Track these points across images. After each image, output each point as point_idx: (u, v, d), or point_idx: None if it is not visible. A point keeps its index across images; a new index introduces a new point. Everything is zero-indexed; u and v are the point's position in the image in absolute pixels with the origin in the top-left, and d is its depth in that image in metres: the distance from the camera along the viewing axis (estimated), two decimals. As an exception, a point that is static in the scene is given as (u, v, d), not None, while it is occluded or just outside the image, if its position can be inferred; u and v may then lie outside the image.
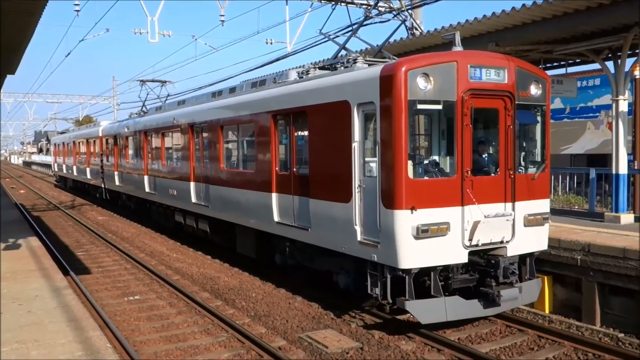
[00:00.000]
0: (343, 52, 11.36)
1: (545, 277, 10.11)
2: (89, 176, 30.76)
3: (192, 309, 10.59)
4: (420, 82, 8.16)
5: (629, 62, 12.76)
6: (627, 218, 12.14)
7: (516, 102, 8.92)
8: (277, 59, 18.89)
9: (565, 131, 20.17)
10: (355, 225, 9.01)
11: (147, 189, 20.12)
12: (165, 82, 23.19)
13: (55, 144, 44.39)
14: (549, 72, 14.42)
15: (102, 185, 27.43)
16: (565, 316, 9.87)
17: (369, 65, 9.62)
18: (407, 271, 8.25)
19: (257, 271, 13.23)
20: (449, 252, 8.42)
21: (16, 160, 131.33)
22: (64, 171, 39.45)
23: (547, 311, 10.14)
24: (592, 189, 13.99)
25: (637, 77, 14.18)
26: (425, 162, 9.24)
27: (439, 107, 8.66)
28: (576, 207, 14.79)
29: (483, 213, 8.54)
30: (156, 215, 20.39)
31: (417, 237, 8.11)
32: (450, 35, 9.48)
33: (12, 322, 7.16)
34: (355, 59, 9.90)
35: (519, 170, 9.21)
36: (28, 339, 6.51)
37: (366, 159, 8.95)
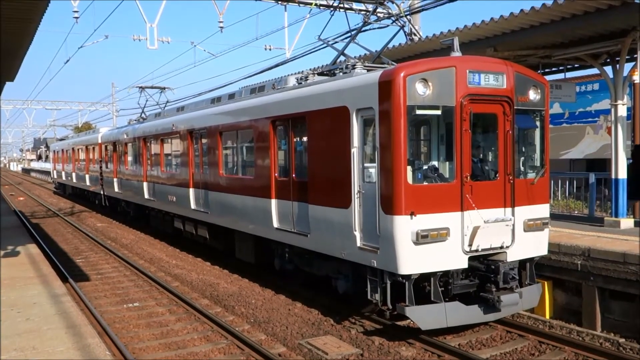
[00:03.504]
0: (342, 58, 11.38)
1: (546, 282, 10.08)
2: (88, 183, 30.75)
3: (191, 316, 10.56)
4: (419, 88, 8.17)
5: (628, 66, 12.79)
6: (626, 222, 12.13)
7: (515, 107, 8.93)
8: (276, 65, 18.92)
9: (564, 136, 20.19)
10: (355, 230, 9.00)
11: (146, 195, 20.11)
12: (164, 88, 23.23)
13: (54, 151, 44.40)
14: (548, 77, 14.44)
15: (101, 192, 27.42)
16: (565, 321, 9.85)
17: (368, 70, 9.63)
18: (407, 277, 8.23)
19: (257, 277, 13.20)
20: (449, 257, 8.40)
21: (15, 167, 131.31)
22: (63, 178, 39.43)
23: (547, 316, 10.11)
24: (591, 193, 13.98)
25: (636, 81, 14.19)
26: (425, 167, 9.23)
27: (438, 112, 8.66)
28: (576, 211, 14.77)
29: (483, 218, 8.53)
30: (155, 222, 20.37)
31: (416, 243, 8.10)
32: (449, 40, 9.49)
33: (10, 329, 7.13)
34: (354, 65, 9.91)
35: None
36: (26, 347, 6.48)
37: (365, 165, 8.95)
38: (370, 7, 14.21)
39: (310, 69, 16.03)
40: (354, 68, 9.83)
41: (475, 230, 8.46)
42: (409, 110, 8.15)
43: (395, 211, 8.13)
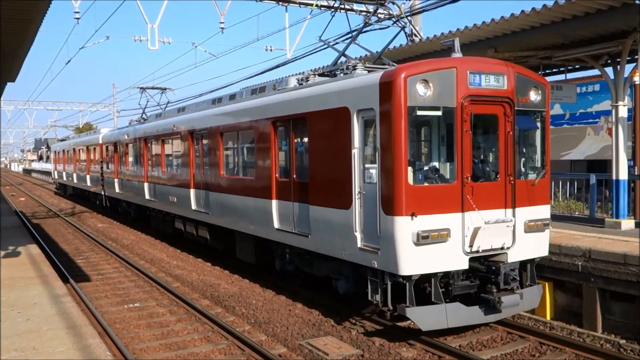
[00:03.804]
0: (343, 59, 11.38)
1: (546, 283, 10.08)
2: (89, 183, 30.76)
3: (192, 316, 10.56)
4: (420, 88, 8.17)
5: (628, 67, 12.79)
6: (627, 224, 12.11)
7: (516, 108, 8.93)
8: (277, 66, 18.92)
9: (565, 137, 20.17)
10: (355, 231, 8.99)
11: (147, 196, 20.12)
12: (165, 89, 23.26)
13: (55, 151, 44.43)
14: (549, 78, 14.44)
15: (102, 193, 27.43)
16: (566, 322, 9.84)
17: (369, 71, 9.63)
18: (408, 277, 8.23)
19: (258, 277, 13.20)
20: (450, 258, 8.39)
21: (16, 167, 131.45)
22: (64, 178, 39.46)
23: (548, 317, 10.10)
24: (592, 194, 13.98)
25: (637, 82, 14.19)
26: (425, 168, 9.23)
27: (439, 113, 8.66)
28: (577, 212, 14.77)
29: (483, 219, 8.52)
30: (156, 222, 20.37)
31: (417, 244, 8.09)
32: (450, 41, 9.49)
33: (10, 329, 7.13)
34: (355, 66, 9.91)
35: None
36: (26, 347, 6.48)
37: (366, 165, 8.95)
38: (371, 8, 14.21)
39: (311, 70, 16.05)
40: (355, 69, 9.83)
41: (476, 231, 8.46)
42: (409, 111, 8.15)
43: (396, 212, 8.13)
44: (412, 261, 8.15)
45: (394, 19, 12.34)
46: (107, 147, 26.38)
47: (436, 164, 9.81)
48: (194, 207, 15.68)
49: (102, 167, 27.01)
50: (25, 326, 7.27)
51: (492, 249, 8.72)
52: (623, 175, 12.32)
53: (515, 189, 8.94)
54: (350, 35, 12.32)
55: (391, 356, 8.28)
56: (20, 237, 15.49)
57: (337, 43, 13.16)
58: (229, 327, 9.51)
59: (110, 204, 26.82)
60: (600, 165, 18.78)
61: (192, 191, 15.83)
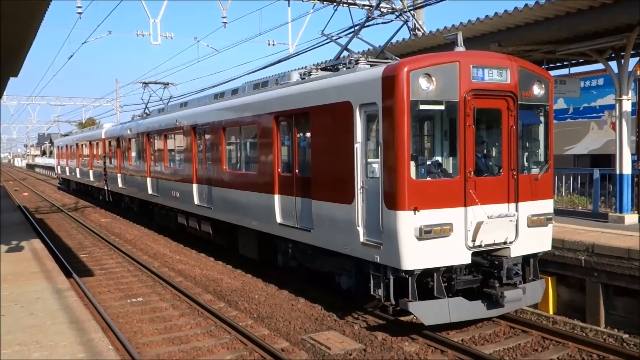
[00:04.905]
0: (345, 53, 11.34)
1: (549, 278, 10.07)
2: (92, 178, 30.81)
3: (194, 311, 10.57)
4: (423, 83, 8.13)
5: (633, 61, 12.72)
6: (631, 218, 12.09)
7: (519, 102, 8.89)
8: (280, 61, 18.92)
9: (568, 131, 20.11)
10: (358, 226, 8.98)
11: (149, 191, 20.14)
12: (167, 84, 23.23)
13: (58, 147, 44.49)
14: (552, 72, 14.38)
15: (105, 188, 27.47)
16: (569, 317, 9.83)
17: (371, 66, 9.60)
18: (410, 272, 8.22)
19: (260, 273, 13.21)
20: (452, 253, 8.38)
21: (20, 162, 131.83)
22: (67, 173, 39.53)
23: (551, 312, 10.09)
24: (595, 189, 13.95)
25: (641, 76, 14.11)
26: (428, 162, 9.20)
27: (442, 107, 8.62)
28: (580, 207, 14.74)
29: (486, 214, 8.50)
30: (159, 217, 20.40)
31: (420, 238, 8.08)
32: (453, 35, 9.45)
33: (13, 324, 7.16)
34: (358, 60, 9.87)
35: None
36: (29, 341, 6.50)
37: (368, 160, 8.93)
38: (374, 2, 14.16)
39: (313, 65, 16.00)
40: (358, 63, 9.79)
41: (478, 225, 8.44)
42: (412, 106, 8.12)
43: (398, 206, 8.11)
44: (415, 256, 8.14)
45: (396, 13, 12.31)
46: (109, 142, 26.40)
47: (439, 158, 9.78)
48: (196, 202, 15.69)
49: (105, 163, 27.05)
50: (29, 321, 7.29)
51: (494, 244, 8.70)
52: (627, 169, 12.29)
53: (518, 183, 8.91)
54: (352, 29, 12.30)
55: (393, 350, 8.29)
56: (24, 232, 15.54)
57: (339, 37, 13.15)
58: (231, 322, 9.52)
59: (113, 199, 26.86)
60: (604, 160, 18.72)
61: (194, 186, 15.83)
